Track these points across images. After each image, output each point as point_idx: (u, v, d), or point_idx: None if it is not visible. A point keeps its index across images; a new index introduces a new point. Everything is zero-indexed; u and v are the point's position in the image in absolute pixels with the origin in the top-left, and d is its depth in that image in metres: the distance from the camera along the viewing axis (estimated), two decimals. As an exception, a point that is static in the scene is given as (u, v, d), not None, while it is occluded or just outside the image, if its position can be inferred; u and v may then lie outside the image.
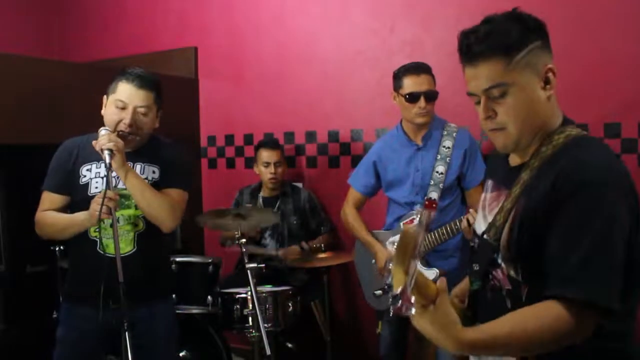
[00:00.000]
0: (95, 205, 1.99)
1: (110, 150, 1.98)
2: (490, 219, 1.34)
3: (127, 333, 1.87)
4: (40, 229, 2.17)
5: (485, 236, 1.33)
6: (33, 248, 2.97)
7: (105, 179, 2.11)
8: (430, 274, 2.53)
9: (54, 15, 4.64)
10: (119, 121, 2.09)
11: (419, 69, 2.60)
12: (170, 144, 2.31)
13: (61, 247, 2.77)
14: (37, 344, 2.49)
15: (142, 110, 2.11)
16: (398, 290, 1.01)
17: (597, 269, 1.10)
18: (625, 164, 1.28)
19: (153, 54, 4.14)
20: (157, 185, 2.15)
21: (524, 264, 1.23)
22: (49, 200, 2.17)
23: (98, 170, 2.16)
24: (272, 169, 3.37)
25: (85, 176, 2.15)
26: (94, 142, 2.04)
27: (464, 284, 1.62)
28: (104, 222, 2.06)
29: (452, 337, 1.10)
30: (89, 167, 2.16)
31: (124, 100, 2.09)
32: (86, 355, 2.17)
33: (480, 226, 1.39)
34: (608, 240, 1.11)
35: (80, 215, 2.08)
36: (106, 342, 2.18)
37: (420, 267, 2.53)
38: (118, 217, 2.09)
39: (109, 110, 2.12)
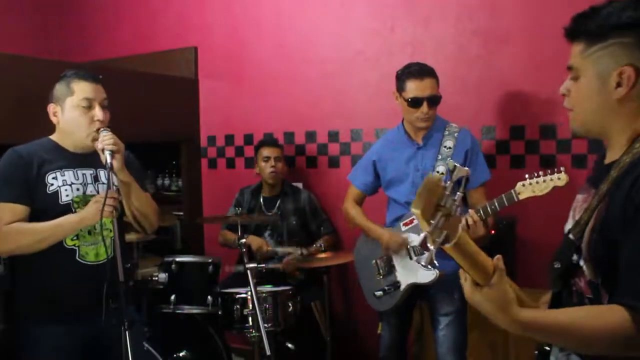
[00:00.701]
0: (97, 205, 1.97)
1: (111, 152, 1.98)
2: (577, 217, 1.30)
3: (127, 333, 1.86)
4: (10, 243, 2.00)
5: (570, 235, 1.29)
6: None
7: (73, 184, 2.10)
8: (430, 274, 2.51)
9: (54, 15, 4.64)
10: (91, 120, 2.07)
11: (423, 72, 2.55)
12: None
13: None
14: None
15: (105, 103, 2.11)
16: (419, 238, 1.00)
17: None
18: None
19: (153, 54, 4.15)
20: None
21: (602, 269, 1.19)
22: (11, 211, 2.00)
23: (64, 177, 2.08)
24: (272, 162, 3.39)
25: (52, 184, 2.06)
26: (95, 143, 2.02)
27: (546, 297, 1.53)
28: (81, 230, 2.05)
29: (509, 315, 1.09)
30: (54, 175, 2.07)
31: (89, 97, 2.07)
32: None
33: (568, 225, 1.35)
34: None
35: (68, 219, 2.00)
36: (82, 355, 2.10)
37: (422, 267, 2.53)
38: (95, 224, 2.07)
39: (72, 114, 2.08)
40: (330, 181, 3.60)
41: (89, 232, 2.07)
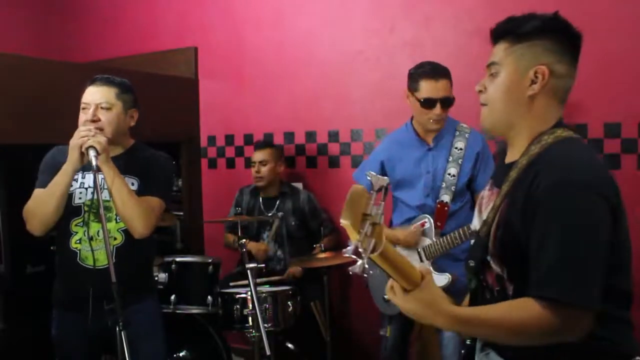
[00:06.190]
0: (76, 140, 1.98)
1: (95, 151, 1.97)
2: (485, 217, 1.37)
3: (123, 333, 1.87)
4: (28, 214, 2.11)
5: (480, 233, 1.37)
6: (33, 248, 2.98)
7: (89, 187, 2.14)
8: (443, 279, 2.46)
9: (54, 15, 4.64)
10: (83, 123, 2.09)
11: (437, 73, 2.50)
12: (150, 154, 2.29)
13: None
14: (37, 344, 2.49)
15: (103, 105, 2.11)
16: (350, 247, 1.03)
17: (569, 269, 1.12)
18: (625, 164, 1.28)
19: (153, 54, 4.14)
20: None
21: (507, 262, 1.26)
22: None
23: (83, 180, 2.17)
24: (256, 167, 3.38)
25: (71, 186, 2.12)
26: (76, 142, 2.01)
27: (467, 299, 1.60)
28: (85, 235, 2.10)
29: (442, 312, 1.17)
30: (74, 177, 2.12)
31: (87, 101, 2.12)
32: (84, 355, 2.21)
33: (475, 224, 1.44)
34: (580, 239, 1.14)
35: (61, 170, 2.05)
36: (99, 343, 2.20)
37: (434, 271, 2.50)
38: (98, 230, 2.11)
39: (79, 119, 2.14)
40: (330, 181, 3.60)
41: (91, 238, 2.10)
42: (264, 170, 3.38)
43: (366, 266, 1.03)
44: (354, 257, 1.03)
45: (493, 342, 1.30)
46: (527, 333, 1.15)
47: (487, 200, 1.39)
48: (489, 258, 1.31)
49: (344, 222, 1.00)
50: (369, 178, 1.07)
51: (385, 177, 1.07)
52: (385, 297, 2.59)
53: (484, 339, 1.35)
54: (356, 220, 1.01)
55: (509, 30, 1.31)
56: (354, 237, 1.02)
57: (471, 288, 1.41)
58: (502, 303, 1.22)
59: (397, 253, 1.14)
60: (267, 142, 3.53)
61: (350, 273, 2.59)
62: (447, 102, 2.50)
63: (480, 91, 1.36)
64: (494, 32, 1.35)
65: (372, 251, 1.03)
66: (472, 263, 1.37)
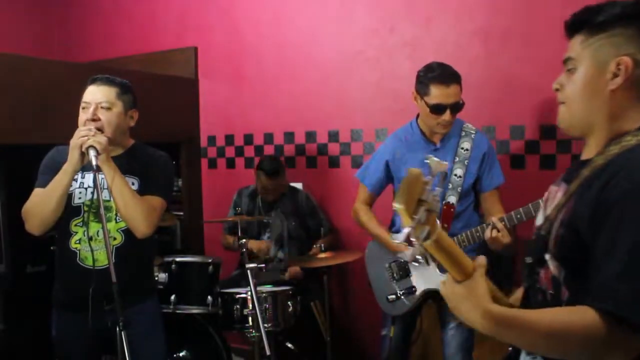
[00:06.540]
0: (76, 140, 1.98)
1: (96, 150, 1.97)
2: (548, 212, 1.31)
3: (123, 333, 1.87)
4: (27, 214, 2.11)
5: (541, 230, 1.30)
6: (33, 248, 2.98)
7: (89, 187, 2.15)
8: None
9: (54, 15, 4.64)
10: (83, 123, 2.09)
11: (448, 78, 2.44)
12: (152, 154, 2.29)
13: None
14: (37, 344, 2.49)
15: (103, 105, 2.11)
16: (402, 233, 0.95)
17: (633, 282, 1.02)
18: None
19: (153, 54, 4.15)
20: None
21: (566, 264, 1.19)
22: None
23: (83, 180, 2.16)
24: (270, 194, 3.38)
25: (71, 186, 2.12)
26: (76, 142, 2.02)
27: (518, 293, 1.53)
28: (84, 235, 2.10)
29: (481, 307, 1.09)
30: (74, 177, 2.12)
31: (87, 100, 2.12)
32: (84, 355, 2.21)
33: (539, 220, 1.36)
34: None
35: (61, 170, 2.05)
36: (99, 343, 2.20)
37: (439, 274, 2.47)
38: (97, 230, 2.11)
39: (79, 118, 2.14)
40: (330, 181, 3.60)
41: (91, 238, 2.10)
42: (277, 192, 3.39)
43: (418, 256, 0.98)
44: (405, 244, 0.99)
45: (532, 350, 1.21)
46: (568, 340, 1.06)
47: (553, 196, 1.31)
48: (547, 257, 1.23)
49: (397, 206, 0.93)
50: (427, 161, 1.01)
51: (445, 162, 1.01)
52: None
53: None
54: (410, 205, 0.93)
55: (584, 22, 1.22)
56: (407, 223, 0.95)
57: (525, 287, 1.34)
58: (548, 309, 1.14)
59: (452, 242, 1.08)
60: (277, 169, 3.34)
61: (402, 261, 2.55)
62: (456, 107, 2.45)
63: (557, 89, 1.27)
64: (568, 25, 1.25)
65: (425, 239, 0.98)
66: (529, 260, 1.30)
